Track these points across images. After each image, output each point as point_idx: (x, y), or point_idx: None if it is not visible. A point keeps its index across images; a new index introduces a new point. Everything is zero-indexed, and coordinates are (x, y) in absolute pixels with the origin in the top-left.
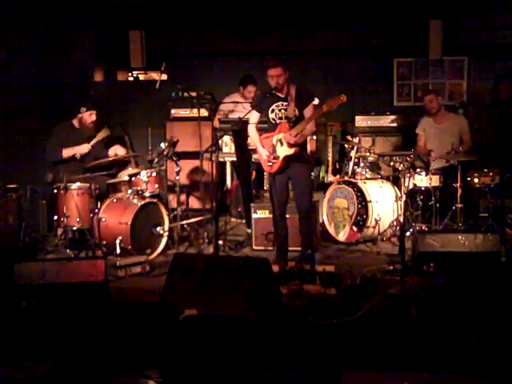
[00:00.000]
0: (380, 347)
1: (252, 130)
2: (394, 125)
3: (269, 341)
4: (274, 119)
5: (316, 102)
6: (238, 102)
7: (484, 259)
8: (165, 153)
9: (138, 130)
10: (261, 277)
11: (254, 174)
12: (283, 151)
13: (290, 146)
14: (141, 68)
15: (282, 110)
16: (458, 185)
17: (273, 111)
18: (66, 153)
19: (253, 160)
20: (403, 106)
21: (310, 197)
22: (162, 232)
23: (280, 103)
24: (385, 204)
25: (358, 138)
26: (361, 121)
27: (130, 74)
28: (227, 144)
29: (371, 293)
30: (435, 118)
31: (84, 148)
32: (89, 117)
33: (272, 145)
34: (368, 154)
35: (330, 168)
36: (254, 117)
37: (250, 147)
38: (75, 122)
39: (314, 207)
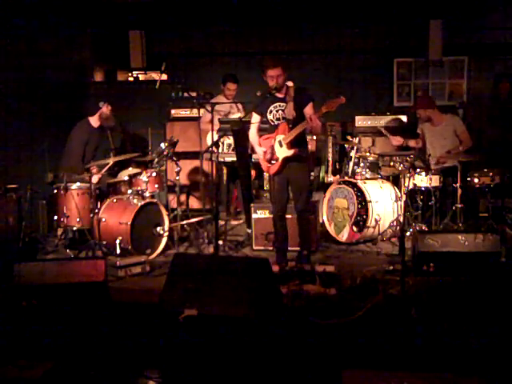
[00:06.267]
0: (380, 347)
1: (252, 131)
2: (394, 125)
3: (269, 341)
4: (272, 120)
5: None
6: (220, 103)
7: (484, 259)
8: (165, 153)
9: (137, 130)
10: (261, 277)
11: (253, 173)
12: (282, 153)
13: (290, 147)
14: (141, 68)
15: (280, 111)
16: (458, 185)
17: (271, 112)
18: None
19: (253, 160)
20: (403, 106)
21: (307, 197)
22: (161, 232)
23: (278, 104)
24: (385, 204)
25: (357, 138)
26: (361, 121)
27: (130, 74)
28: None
29: (371, 293)
30: (431, 121)
31: (95, 179)
32: (106, 109)
33: (271, 146)
34: (368, 153)
35: (330, 168)
36: (254, 118)
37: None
38: (93, 121)
39: (314, 207)
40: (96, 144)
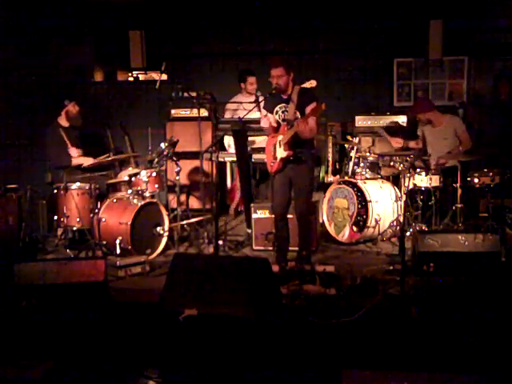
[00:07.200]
0: (380, 347)
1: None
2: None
3: (269, 341)
4: (277, 121)
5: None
6: (240, 103)
7: (484, 259)
8: (165, 153)
9: (137, 130)
10: (261, 277)
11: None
12: (280, 153)
13: (286, 148)
14: (141, 68)
15: (285, 112)
16: (458, 185)
17: (276, 113)
18: (76, 161)
19: (253, 160)
20: (403, 106)
21: (307, 200)
22: (162, 232)
23: (283, 105)
24: (385, 204)
25: (357, 138)
26: (361, 121)
27: (130, 74)
28: (230, 146)
29: (371, 293)
30: (431, 123)
31: (88, 160)
32: (73, 108)
33: (274, 145)
34: (368, 153)
35: (330, 168)
36: (271, 118)
37: (254, 146)
38: (62, 121)
39: (314, 207)
40: (73, 144)
